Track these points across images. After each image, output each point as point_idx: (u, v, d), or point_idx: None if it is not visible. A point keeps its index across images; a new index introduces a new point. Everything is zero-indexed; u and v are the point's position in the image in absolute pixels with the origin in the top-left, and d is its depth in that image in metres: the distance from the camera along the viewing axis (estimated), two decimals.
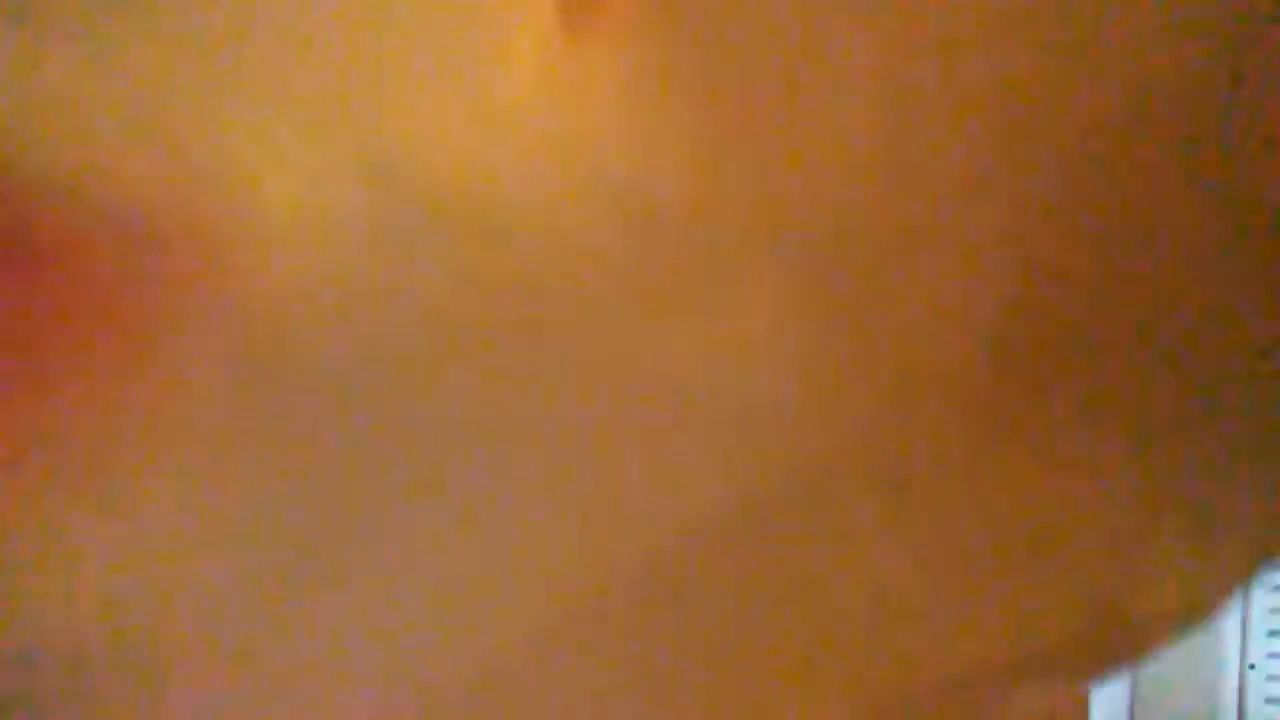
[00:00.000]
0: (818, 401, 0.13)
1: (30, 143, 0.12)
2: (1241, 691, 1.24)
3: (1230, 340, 0.16)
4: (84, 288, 0.12)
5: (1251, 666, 1.24)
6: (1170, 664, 1.28)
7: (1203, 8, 0.13)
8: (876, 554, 0.14)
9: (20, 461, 0.12)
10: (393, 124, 0.12)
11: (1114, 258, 0.14)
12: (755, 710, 0.13)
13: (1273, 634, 1.24)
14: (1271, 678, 1.24)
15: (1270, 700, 1.24)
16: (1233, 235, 0.14)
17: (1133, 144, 0.13)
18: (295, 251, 0.12)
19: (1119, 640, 0.18)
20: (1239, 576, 0.19)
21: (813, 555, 0.14)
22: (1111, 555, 0.17)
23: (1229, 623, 1.23)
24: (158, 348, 0.12)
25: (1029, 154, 0.13)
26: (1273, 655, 1.24)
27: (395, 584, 0.12)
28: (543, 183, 0.12)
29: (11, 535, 0.12)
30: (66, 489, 0.12)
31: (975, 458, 0.14)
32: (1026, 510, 0.15)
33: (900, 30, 0.12)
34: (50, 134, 0.12)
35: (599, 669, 0.13)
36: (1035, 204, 0.13)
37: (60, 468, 0.12)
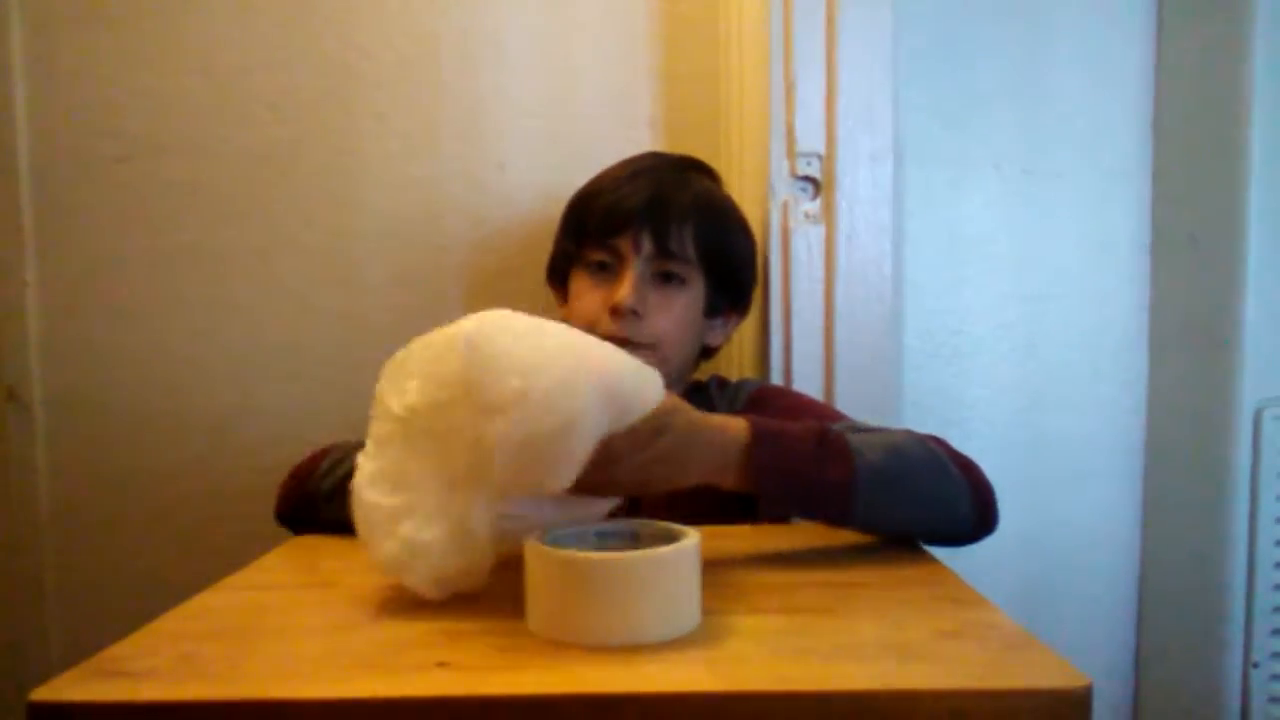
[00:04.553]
0: None
1: None
2: (1245, 690, 1.25)
3: None
4: None
5: (1255, 665, 1.24)
6: (1173, 663, 1.29)
7: None
8: None
9: None
10: None
11: None
12: None
13: (1276, 633, 1.24)
14: (1275, 677, 1.24)
15: (1273, 699, 1.24)
16: None
17: None
18: None
19: None
20: None
21: None
22: None
23: (1232, 622, 1.24)
24: None
25: None
26: (1276, 654, 1.24)
27: None
28: None
29: None
30: None
31: None
32: None
33: None
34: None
35: None
36: None
37: None
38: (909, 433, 0.83)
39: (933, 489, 0.78)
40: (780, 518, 0.76)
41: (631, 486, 0.69)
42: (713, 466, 0.73)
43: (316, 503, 0.88)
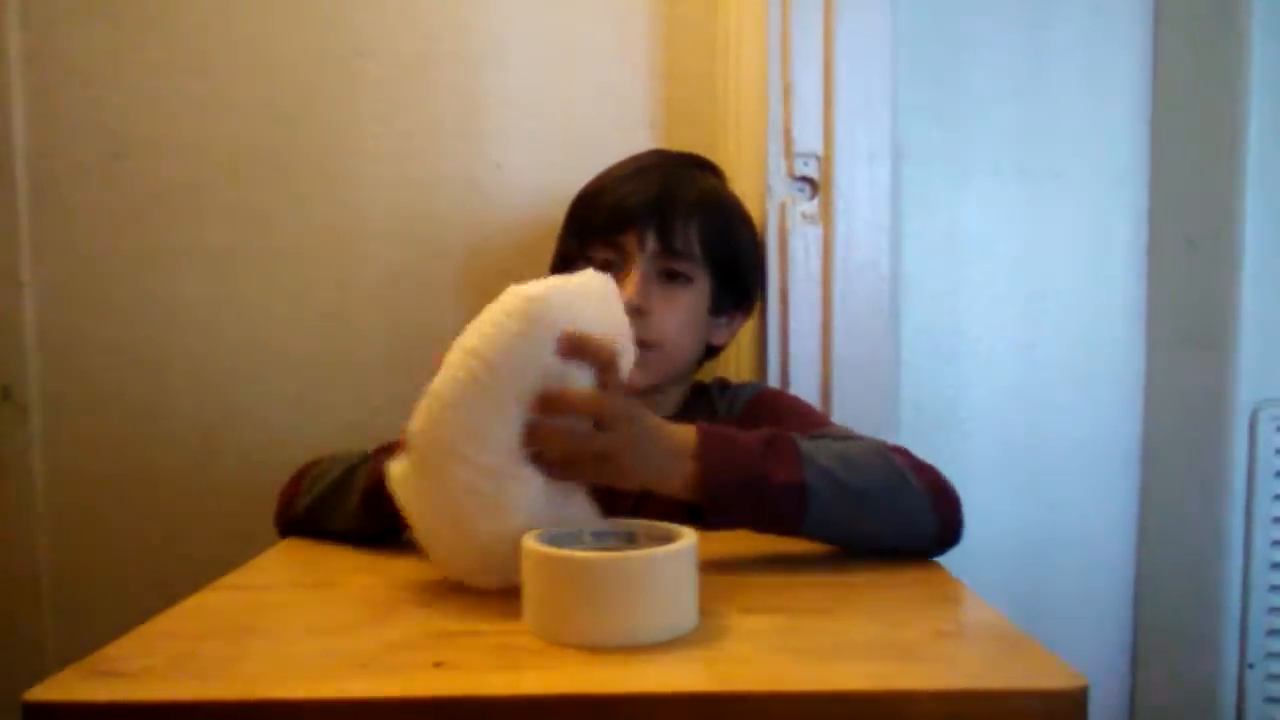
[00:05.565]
0: None
1: None
2: (1241, 691, 1.25)
3: None
4: None
5: (1250, 666, 1.24)
6: (1169, 663, 1.29)
7: None
8: None
9: None
10: None
11: None
12: None
13: (1271, 633, 1.24)
14: (1270, 677, 1.25)
15: (1269, 699, 1.25)
16: None
17: None
18: None
19: None
20: None
21: None
22: None
23: (1228, 622, 1.24)
24: None
25: None
26: (1271, 655, 1.24)
27: None
28: None
29: None
30: None
31: None
32: None
33: None
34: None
35: None
36: None
37: None
38: (867, 441, 0.81)
39: (888, 498, 0.74)
40: (728, 528, 0.73)
41: (595, 464, 0.68)
42: (661, 472, 0.71)
43: (299, 525, 0.88)
